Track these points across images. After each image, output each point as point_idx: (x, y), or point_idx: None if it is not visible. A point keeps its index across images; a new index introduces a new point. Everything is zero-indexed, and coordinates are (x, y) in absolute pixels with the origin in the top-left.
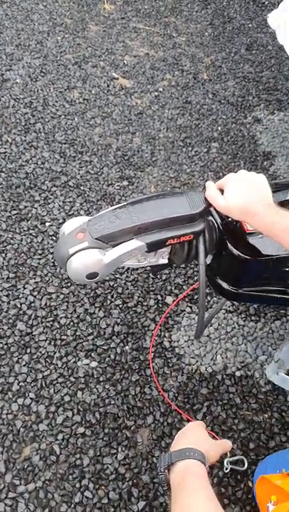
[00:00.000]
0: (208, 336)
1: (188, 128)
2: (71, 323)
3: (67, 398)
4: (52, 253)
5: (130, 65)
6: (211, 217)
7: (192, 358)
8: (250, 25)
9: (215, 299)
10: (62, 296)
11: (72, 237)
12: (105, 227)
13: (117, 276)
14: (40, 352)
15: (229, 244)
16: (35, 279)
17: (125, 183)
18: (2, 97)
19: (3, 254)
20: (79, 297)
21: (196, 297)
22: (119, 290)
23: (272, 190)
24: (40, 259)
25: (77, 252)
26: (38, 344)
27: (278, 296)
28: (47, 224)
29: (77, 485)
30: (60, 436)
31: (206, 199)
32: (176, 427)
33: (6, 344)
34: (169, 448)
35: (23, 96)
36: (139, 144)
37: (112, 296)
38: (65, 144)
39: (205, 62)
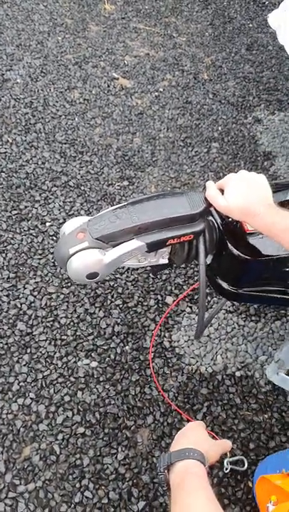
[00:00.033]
0: (208, 336)
1: (188, 128)
2: (71, 323)
3: (67, 398)
4: (52, 253)
5: (130, 65)
6: (211, 218)
7: (192, 358)
8: (250, 25)
9: (215, 299)
10: (62, 296)
11: (72, 237)
12: (105, 227)
13: (117, 276)
14: (41, 352)
15: (229, 245)
16: (35, 279)
17: (125, 183)
18: (2, 97)
19: (4, 254)
20: (79, 297)
21: (196, 297)
22: (120, 290)
23: (272, 190)
24: (40, 259)
25: (77, 252)
26: (38, 344)
27: (278, 296)
28: (47, 224)
29: (77, 485)
30: (60, 436)
31: (206, 199)
32: (176, 427)
33: (6, 344)
34: (169, 448)
35: (24, 96)
36: (139, 144)
37: (112, 296)
38: (65, 144)
39: (205, 62)
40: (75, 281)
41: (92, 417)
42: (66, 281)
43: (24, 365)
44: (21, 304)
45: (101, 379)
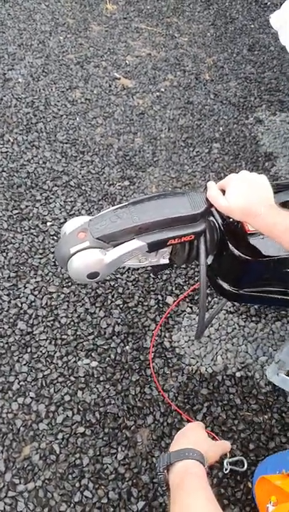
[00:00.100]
0: (208, 336)
1: (189, 128)
2: (72, 323)
3: (67, 398)
4: (53, 252)
5: (132, 65)
6: (212, 218)
7: (192, 358)
8: (252, 25)
9: (215, 299)
10: (62, 296)
11: (73, 237)
12: (106, 226)
13: (117, 276)
14: (41, 351)
15: (230, 245)
16: (36, 278)
17: (126, 183)
18: (4, 96)
19: (5, 254)
20: (80, 297)
21: (196, 297)
22: (120, 290)
23: (273, 191)
24: (41, 258)
25: (78, 251)
26: (38, 343)
27: (279, 297)
28: (48, 223)
29: (77, 484)
30: (60, 436)
31: (207, 199)
32: (176, 427)
33: (7, 343)
34: (169, 448)
35: (25, 95)
36: (140, 144)
37: (112, 296)
38: (66, 143)
39: (207, 62)
40: (76, 281)
41: (92, 416)
42: (67, 280)
43: (24, 364)
44: (22, 304)
45: (101, 379)
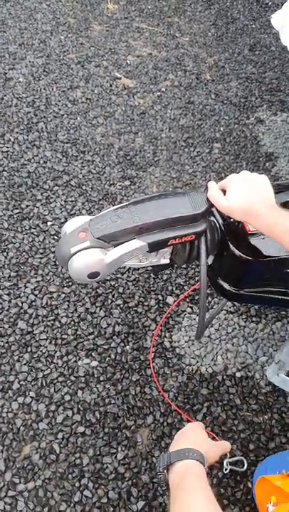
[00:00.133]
0: (208, 336)
1: (190, 128)
2: (72, 323)
3: (67, 397)
4: (53, 252)
5: (133, 64)
6: (212, 218)
7: (192, 358)
8: (253, 25)
9: (216, 299)
10: (63, 296)
11: (73, 237)
12: (107, 226)
13: (118, 275)
14: (41, 351)
15: (231, 245)
16: (36, 278)
17: (127, 182)
18: (5, 95)
19: (5, 253)
20: (80, 296)
21: (197, 298)
22: (120, 290)
23: (274, 191)
24: (41, 258)
25: (78, 251)
26: (38, 343)
27: (279, 297)
28: (48, 223)
29: (77, 484)
30: (60, 435)
31: (208, 199)
32: (176, 427)
33: (7, 343)
34: (169, 448)
35: (26, 95)
36: (141, 144)
37: (113, 296)
38: (67, 143)
39: (208, 62)
40: (76, 281)
41: (92, 416)
42: (67, 280)
43: (25, 363)
44: (22, 303)
45: (101, 378)
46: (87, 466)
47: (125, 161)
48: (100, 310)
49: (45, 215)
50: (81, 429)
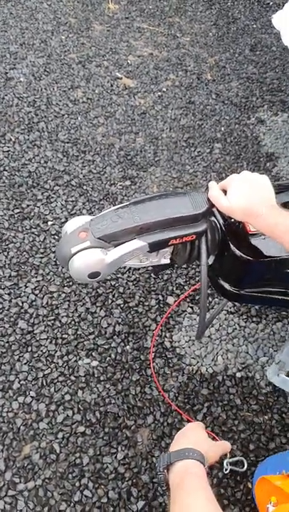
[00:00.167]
0: (209, 336)
1: (191, 128)
2: (72, 322)
3: (67, 397)
4: (54, 252)
5: (134, 64)
6: (213, 218)
7: (193, 358)
8: (254, 25)
9: (216, 299)
10: (63, 295)
11: (74, 237)
12: (107, 226)
13: (118, 275)
14: (41, 350)
15: (231, 245)
16: (36, 277)
17: (128, 182)
18: (6, 95)
19: (6, 253)
20: (80, 296)
21: (197, 298)
22: (121, 290)
23: (275, 191)
24: (42, 257)
25: (79, 251)
26: (39, 343)
27: (280, 297)
28: (49, 223)
29: (77, 484)
30: (60, 435)
31: (208, 199)
32: (176, 427)
33: (7, 342)
34: (169, 448)
35: (27, 95)
36: (142, 144)
37: (113, 296)
38: (68, 143)
39: (209, 62)
40: (77, 281)
41: (92, 416)
42: (67, 280)
43: (25, 363)
44: (23, 303)
45: (101, 378)
46: (87, 465)
47: (126, 160)
48: (100, 310)
49: (46, 215)
50: (81, 428)
